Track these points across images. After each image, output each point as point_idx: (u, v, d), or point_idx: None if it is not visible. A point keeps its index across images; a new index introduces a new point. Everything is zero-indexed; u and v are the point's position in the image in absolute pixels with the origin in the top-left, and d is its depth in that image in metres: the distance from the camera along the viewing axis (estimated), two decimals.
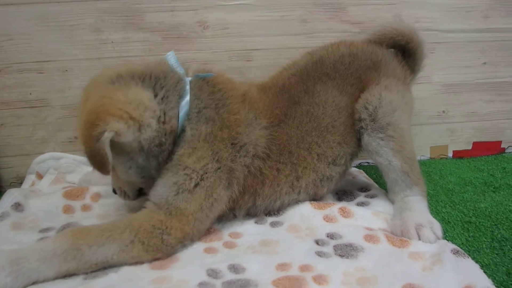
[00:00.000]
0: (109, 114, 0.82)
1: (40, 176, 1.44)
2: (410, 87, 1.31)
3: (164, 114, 0.93)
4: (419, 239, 0.96)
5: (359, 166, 1.65)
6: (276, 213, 1.12)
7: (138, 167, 0.96)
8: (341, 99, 1.14)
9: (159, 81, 0.94)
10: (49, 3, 1.37)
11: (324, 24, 1.53)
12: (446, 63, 1.65)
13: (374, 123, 1.11)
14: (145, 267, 0.87)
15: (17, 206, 1.11)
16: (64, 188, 1.25)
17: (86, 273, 0.83)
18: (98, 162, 0.84)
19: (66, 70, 1.44)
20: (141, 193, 1.07)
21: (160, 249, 0.89)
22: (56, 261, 0.79)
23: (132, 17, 1.42)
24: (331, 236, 1.00)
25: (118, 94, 0.87)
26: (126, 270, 0.86)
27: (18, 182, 1.50)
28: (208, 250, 0.95)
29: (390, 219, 1.08)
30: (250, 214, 1.10)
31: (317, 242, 0.97)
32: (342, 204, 1.14)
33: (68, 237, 0.82)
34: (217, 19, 1.47)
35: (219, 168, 0.96)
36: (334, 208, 1.10)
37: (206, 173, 0.94)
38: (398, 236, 0.99)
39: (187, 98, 0.96)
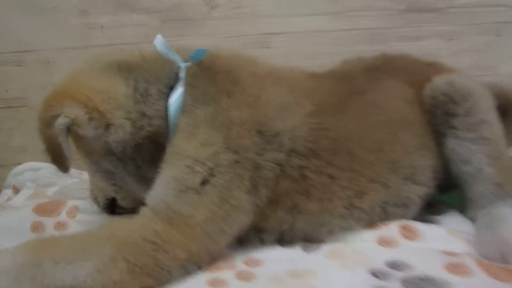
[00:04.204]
0: (69, 97, 0.69)
1: (17, 191, 1.22)
2: None
3: (143, 115, 0.73)
4: None
5: None
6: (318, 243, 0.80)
7: (107, 172, 0.79)
8: (410, 91, 0.90)
9: (138, 71, 0.76)
10: None
11: (359, 0, 1.27)
12: None
13: (470, 119, 0.83)
14: None
15: None
16: (38, 202, 1.00)
17: None
18: (53, 153, 0.70)
19: (48, 62, 1.25)
20: (114, 205, 0.86)
21: (152, 273, 0.62)
22: (6, 280, 0.57)
23: None
24: (393, 265, 0.68)
25: (90, 78, 0.74)
26: None
27: None
28: (214, 283, 0.65)
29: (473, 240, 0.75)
30: (283, 241, 0.78)
31: (374, 274, 0.66)
32: (403, 221, 0.81)
33: (28, 248, 0.61)
34: None
35: (237, 162, 0.70)
36: (393, 226, 0.78)
37: (218, 167, 0.68)
38: (497, 261, 0.66)
39: (180, 89, 0.74)
